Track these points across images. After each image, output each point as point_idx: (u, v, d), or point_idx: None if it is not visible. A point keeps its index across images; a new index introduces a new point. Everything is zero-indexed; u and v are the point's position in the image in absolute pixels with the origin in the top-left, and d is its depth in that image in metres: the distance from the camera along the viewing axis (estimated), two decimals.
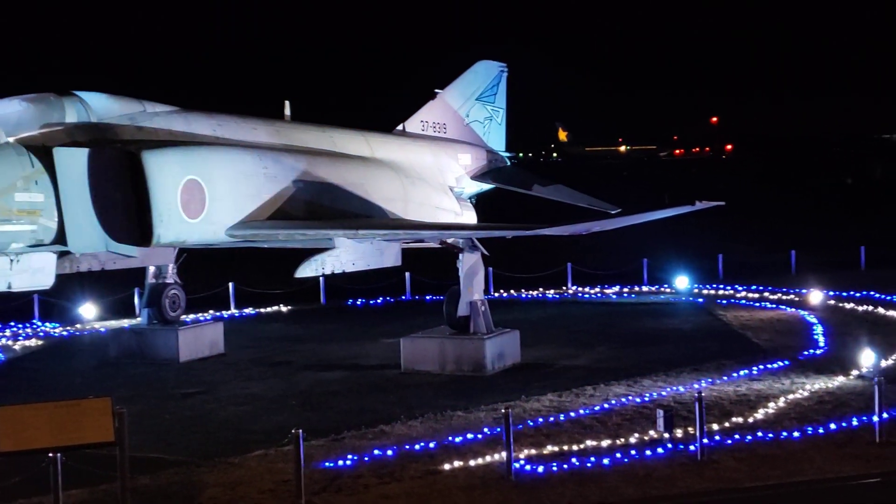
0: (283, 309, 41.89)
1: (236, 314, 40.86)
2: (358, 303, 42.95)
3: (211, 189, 26.18)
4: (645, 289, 45.33)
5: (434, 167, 34.71)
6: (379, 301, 43.24)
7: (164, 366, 30.68)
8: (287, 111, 32.08)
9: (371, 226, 28.90)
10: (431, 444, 20.53)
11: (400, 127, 36.15)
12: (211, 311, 39.84)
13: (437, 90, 37.71)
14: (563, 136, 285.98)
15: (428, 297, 43.25)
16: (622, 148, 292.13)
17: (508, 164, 39.78)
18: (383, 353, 31.16)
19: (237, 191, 26.85)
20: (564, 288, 45.86)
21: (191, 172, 25.76)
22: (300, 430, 17.51)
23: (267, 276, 43.78)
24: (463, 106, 38.10)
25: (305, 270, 27.35)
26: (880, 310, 36.71)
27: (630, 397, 24.35)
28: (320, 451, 20.22)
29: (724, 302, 40.57)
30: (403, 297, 44.25)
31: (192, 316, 37.05)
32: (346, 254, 27.88)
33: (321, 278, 41.49)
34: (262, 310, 41.56)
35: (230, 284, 42.49)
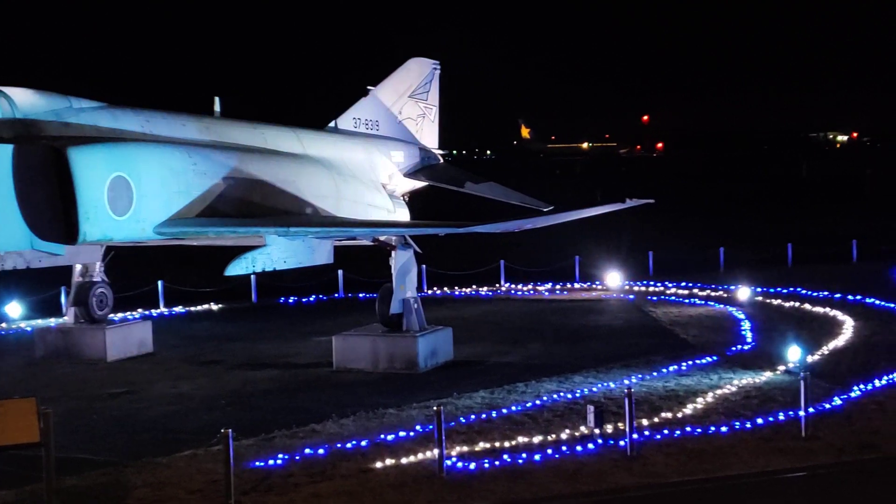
0: (214, 307, 41.45)
1: (165, 313, 40.33)
2: (290, 301, 42.65)
3: (139, 186, 25.84)
4: (577, 286, 45.64)
5: (366, 164, 34.61)
6: (311, 299, 42.99)
7: (91, 365, 30.20)
8: (217, 107, 31.76)
9: (303, 223, 28.72)
10: (363, 443, 20.47)
11: (332, 124, 35.97)
12: (139, 310, 39.29)
13: (369, 87, 37.59)
14: (525, 132, 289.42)
15: (361, 295, 43.10)
16: (585, 145, 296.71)
17: (441, 161, 39.81)
18: (315, 352, 30.99)
19: (166, 188, 26.52)
20: (497, 285, 46.01)
21: (118, 169, 25.40)
22: (230, 430, 17.35)
23: (197, 274, 43.32)
24: (396, 103, 38.02)
25: (236, 268, 27.06)
26: (807, 306, 37.37)
27: (561, 393, 24.50)
28: (250, 451, 20.04)
29: (654, 298, 41.01)
30: (336, 295, 44.04)
31: (119, 315, 36.50)
32: (278, 251, 27.65)
33: (252, 276, 41.14)
34: (192, 308, 41.08)
35: (159, 283, 41.95)
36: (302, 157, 31.86)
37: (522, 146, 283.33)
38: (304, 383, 27.04)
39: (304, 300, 42.80)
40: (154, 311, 39.86)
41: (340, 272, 43.67)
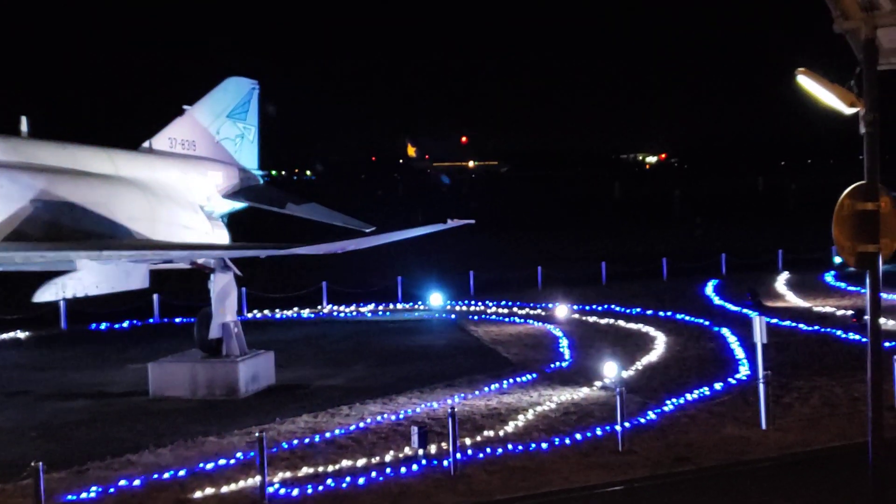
0: (20, 335, 39.50)
1: None
2: (102, 327, 41.14)
3: None
4: (399, 306, 45.74)
5: (183, 185, 33.72)
6: (125, 325, 41.59)
7: None
8: (24, 127, 30.36)
9: (116, 247, 27.73)
10: (182, 472, 19.88)
11: (146, 144, 34.85)
12: None
13: (185, 106, 36.65)
14: (411, 151, 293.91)
15: (178, 320, 41.98)
16: (470, 163, 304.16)
17: (261, 182, 39.20)
18: (130, 380, 29.97)
19: None
20: (320, 307, 45.64)
21: None
22: (40, 463, 16.55)
23: (2, 301, 41.30)
24: (213, 123, 37.21)
25: (45, 294, 25.89)
26: (621, 322, 38.53)
27: (385, 415, 24.44)
28: (62, 484, 19.20)
29: (476, 318, 41.47)
30: (152, 320, 42.77)
31: None
32: (90, 276, 26.61)
33: (62, 302, 39.48)
34: None
35: None
36: (114, 178, 30.78)
37: (408, 164, 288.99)
38: (119, 413, 26.08)
39: (117, 326, 41.36)
40: None
41: (156, 296, 42.46)
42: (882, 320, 26.45)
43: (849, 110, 12.20)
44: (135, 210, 30.26)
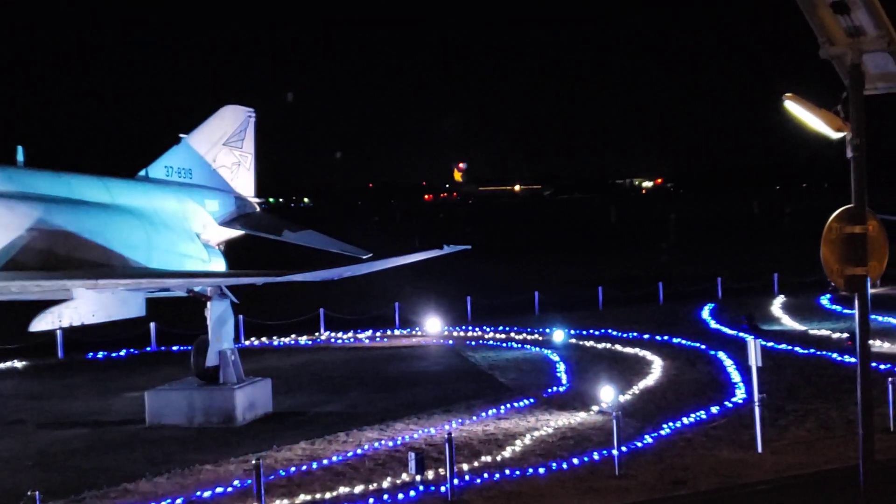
0: (17, 364, 39.53)
1: None
2: (99, 356, 41.13)
3: None
4: (397, 332, 45.76)
5: (179, 214, 33.82)
6: (122, 353, 41.59)
7: None
8: (20, 156, 30.50)
9: (112, 275, 27.80)
10: (179, 501, 19.91)
11: (143, 172, 35.00)
12: None
13: (181, 135, 36.81)
14: (458, 176, 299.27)
15: (175, 348, 41.98)
16: (517, 188, 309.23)
17: (258, 209, 39.31)
18: (127, 408, 29.98)
19: None
20: (317, 334, 45.66)
21: None
22: (37, 492, 16.59)
23: None
24: (209, 151, 37.34)
25: (41, 323, 25.95)
26: (618, 347, 38.55)
27: (383, 441, 24.46)
28: None
29: (473, 343, 41.51)
30: (148, 349, 42.77)
31: None
32: (86, 305, 26.67)
33: (59, 331, 39.48)
34: None
35: None
36: (110, 206, 30.89)
37: (457, 188, 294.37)
38: (116, 441, 26.09)
39: (114, 354, 41.36)
40: None
41: (153, 325, 42.48)
42: (878, 343, 26.66)
43: (836, 135, 12.32)
44: (131, 238, 30.36)
